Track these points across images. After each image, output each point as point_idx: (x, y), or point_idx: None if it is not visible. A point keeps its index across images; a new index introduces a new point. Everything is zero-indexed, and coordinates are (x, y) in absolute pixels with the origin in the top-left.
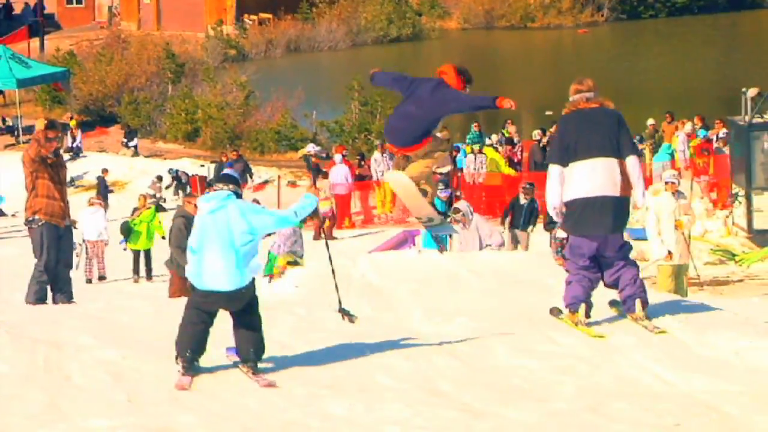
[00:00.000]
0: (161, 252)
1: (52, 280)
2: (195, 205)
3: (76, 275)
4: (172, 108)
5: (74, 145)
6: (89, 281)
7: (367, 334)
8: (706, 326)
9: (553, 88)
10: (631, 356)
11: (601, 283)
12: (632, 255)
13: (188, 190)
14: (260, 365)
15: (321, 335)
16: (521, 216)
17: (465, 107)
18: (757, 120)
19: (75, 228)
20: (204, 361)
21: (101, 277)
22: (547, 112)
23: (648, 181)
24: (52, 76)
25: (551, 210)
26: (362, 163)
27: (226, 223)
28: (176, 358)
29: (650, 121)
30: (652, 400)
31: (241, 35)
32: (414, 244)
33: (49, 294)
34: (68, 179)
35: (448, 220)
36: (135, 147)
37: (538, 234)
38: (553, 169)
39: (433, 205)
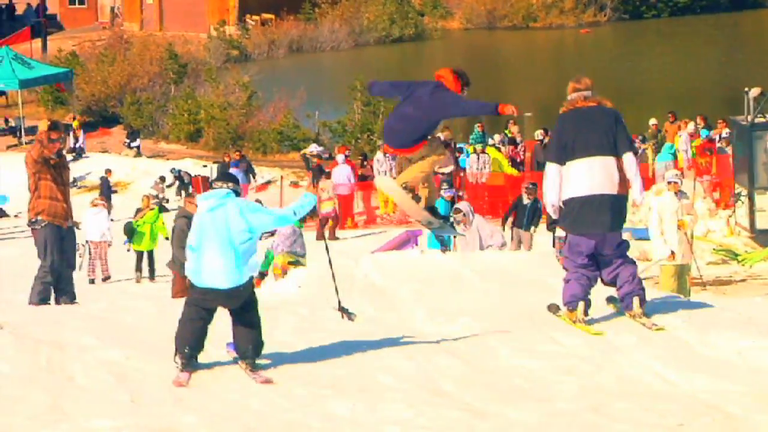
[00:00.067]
0: (164, 253)
1: (56, 281)
2: (196, 205)
3: (79, 276)
4: (175, 108)
5: (77, 145)
6: (92, 281)
7: (370, 334)
8: (709, 326)
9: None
10: (633, 356)
11: (599, 281)
12: (635, 255)
13: (191, 190)
14: (261, 363)
15: (323, 335)
16: (524, 216)
17: (466, 112)
18: (759, 120)
19: (78, 229)
20: (207, 361)
21: (105, 278)
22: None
23: (651, 181)
24: (54, 76)
25: (549, 208)
26: (365, 163)
27: (225, 222)
28: (175, 355)
29: (653, 121)
30: (655, 400)
31: (243, 35)
32: (416, 244)
33: (52, 295)
34: (71, 180)
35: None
36: (137, 147)
37: (540, 234)
38: (551, 168)
39: (433, 207)
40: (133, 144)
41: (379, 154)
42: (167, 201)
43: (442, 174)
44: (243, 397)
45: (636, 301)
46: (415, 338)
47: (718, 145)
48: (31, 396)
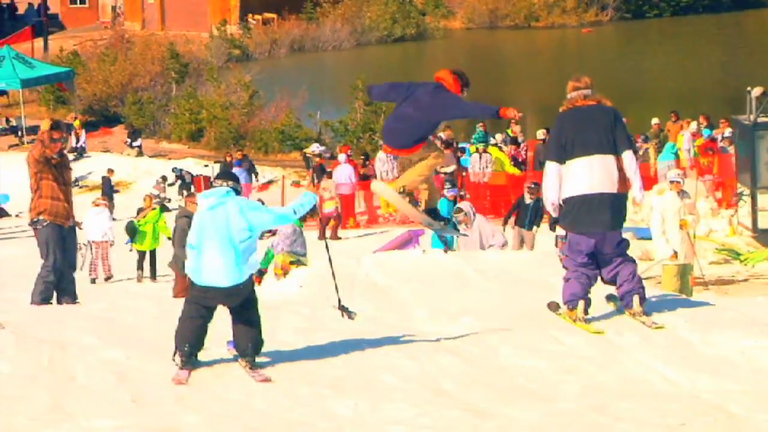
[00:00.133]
0: (166, 252)
1: (58, 280)
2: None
3: (80, 276)
4: (176, 108)
5: (78, 145)
6: (93, 281)
7: (371, 333)
8: (711, 326)
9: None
10: (636, 356)
11: (599, 280)
12: (637, 255)
13: (192, 189)
14: (261, 362)
15: (325, 335)
16: (526, 216)
17: (467, 114)
18: (761, 119)
19: (80, 229)
20: (209, 361)
21: (107, 278)
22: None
23: (653, 181)
24: (56, 76)
25: (549, 206)
26: (367, 162)
27: (225, 220)
28: (174, 352)
29: (655, 121)
30: (657, 400)
31: (245, 35)
32: (418, 244)
33: (54, 294)
34: (72, 180)
35: (453, 223)
36: (139, 147)
37: (542, 233)
38: (551, 167)
39: (433, 209)
40: (134, 143)
41: (381, 154)
42: (169, 201)
43: (444, 174)
44: (245, 396)
45: (636, 299)
46: (417, 338)
47: (720, 144)
48: (32, 395)
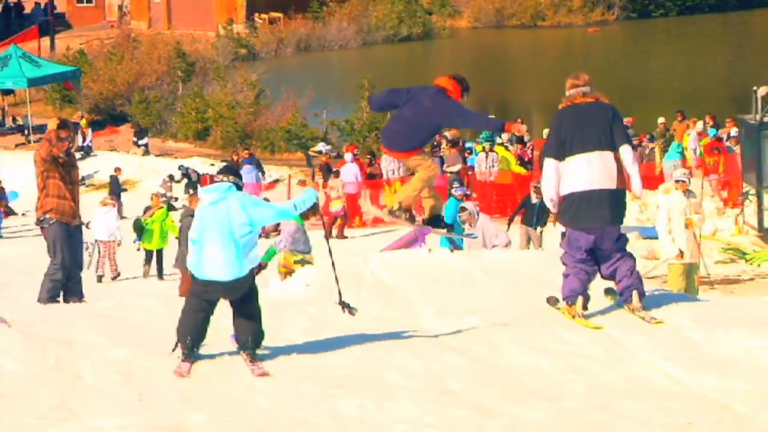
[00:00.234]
0: (173, 251)
1: (65, 279)
2: None
3: (87, 274)
4: (183, 107)
5: (85, 144)
6: (100, 278)
7: (377, 332)
8: (717, 325)
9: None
10: (641, 354)
11: (598, 275)
12: (643, 254)
13: (198, 188)
14: (264, 355)
15: (331, 334)
16: (533, 215)
17: (470, 123)
18: (767, 119)
19: (88, 228)
20: (215, 361)
21: (114, 277)
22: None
23: (659, 180)
24: (62, 75)
25: (548, 203)
26: (373, 161)
27: (227, 215)
28: (175, 345)
29: (661, 120)
30: (663, 399)
31: (251, 34)
32: (425, 243)
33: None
34: (79, 178)
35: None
36: (145, 146)
37: (548, 232)
38: (549, 163)
39: (437, 217)
40: (141, 142)
41: None
42: (176, 200)
43: (451, 173)
44: (250, 395)
45: (635, 294)
46: (423, 337)
47: (726, 143)
48: (39, 394)
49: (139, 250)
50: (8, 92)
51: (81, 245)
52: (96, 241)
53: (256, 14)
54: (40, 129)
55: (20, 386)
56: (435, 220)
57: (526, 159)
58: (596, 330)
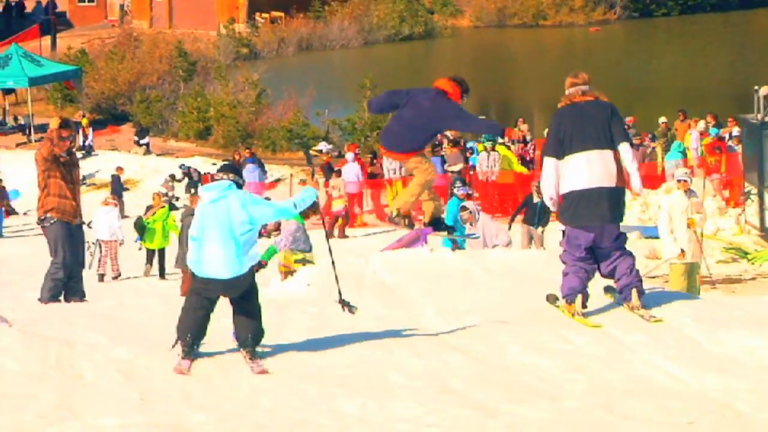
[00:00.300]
0: (174, 251)
1: (67, 278)
2: None
3: (88, 274)
4: (184, 106)
5: (86, 143)
6: (102, 277)
7: (379, 332)
8: (719, 324)
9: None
10: (643, 354)
11: (597, 274)
12: (645, 253)
13: (199, 187)
14: (264, 352)
15: (332, 333)
16: (535, 214)
17: (470, 127)
18: None
19: (90, 227)
20: (216, 359)
21: (115, 277)
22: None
23: (660, 180)
24: (63, 74)
25: (547, 201)
26: (374, 161)
27: (227, 213)
28: (175, 342)
29: (663, 119)
30: (664, 398)
31: (253, 33)
32: (426, 243)
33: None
34: (80, 178)
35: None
36: (147, 145)
37: (549, 232)
38: (548, 162)
39: (438, 219)
40: (142, 142)
41: None
42: (177, 199)
43: (453, 172)
44: (252, 394)
45: (634, 292)
46: (425, 336)
47: (728, 143)
48: (39, 394)
49: (140, 249)
50: (9, 91)
51: (82, 244)
52: (98, 240)
53: (258, 13)
54: (42, 128)
55: (21, 385)
56: (436, 223)
57: (528, 158)
58: (596, 328)
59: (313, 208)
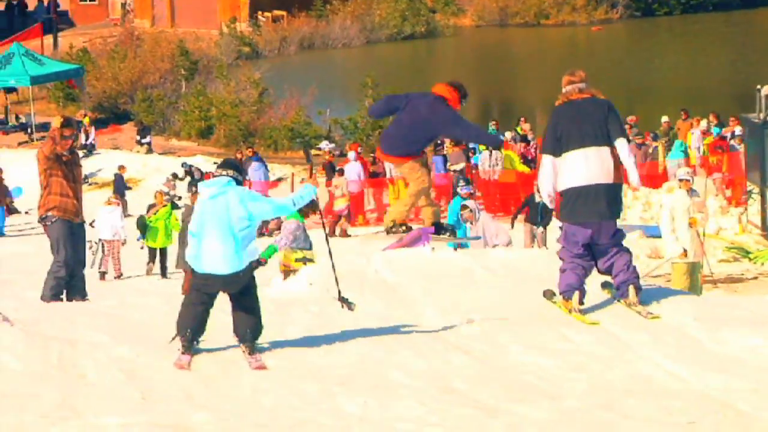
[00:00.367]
0: (176, 249)
1: (69, 276)
2: None
3: (90, 273)
4: (186, 105)
5: (88, 142)
6: (103, 275)
7: (380, 331)
8: (720, 323)
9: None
10: (644, 353)
11: (594, 270)
12: (647, 252)
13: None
14: (260, 348)
15: (334, 333)
16: (537, 213)
17: (468, 137)
18: None
19: (92, 227)
20: (217, 359)
21: (117, 276)
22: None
23: (662, 179)
24: (65, 73)
25: (545, 198)
26: (376, 160)
27: (226, 209)
28: (174, 337)
29: (665, 119)
30: (665, 398)
31: (254, 32)
32: (428, 242)
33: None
34: (82, 177)
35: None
36: (148, 144)
37: (551, 231)
38: (546, 159)
39: (438, 223)
40: (143, 140)
41: None
42: (179, 198)
43: (455, 171)
44: (254, 394)
45: (632, 289)
46: (426, 335)
47: (730, 142)
48: (41, 393)
49: (143, 248)
50: (11, 90)
51: (84, 243)
52: (100, 240)
53: (260, 12)
54: (43, 127)
55: (23, 385)
56: (436, 227)
57: (530, 158)
58: (593, 325)
59: (312, 207)
